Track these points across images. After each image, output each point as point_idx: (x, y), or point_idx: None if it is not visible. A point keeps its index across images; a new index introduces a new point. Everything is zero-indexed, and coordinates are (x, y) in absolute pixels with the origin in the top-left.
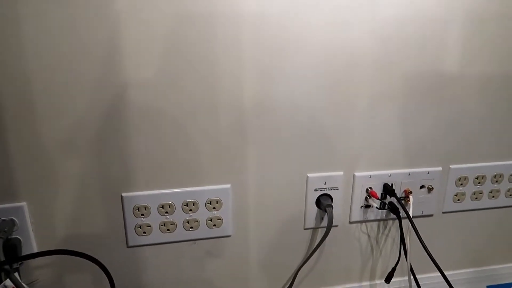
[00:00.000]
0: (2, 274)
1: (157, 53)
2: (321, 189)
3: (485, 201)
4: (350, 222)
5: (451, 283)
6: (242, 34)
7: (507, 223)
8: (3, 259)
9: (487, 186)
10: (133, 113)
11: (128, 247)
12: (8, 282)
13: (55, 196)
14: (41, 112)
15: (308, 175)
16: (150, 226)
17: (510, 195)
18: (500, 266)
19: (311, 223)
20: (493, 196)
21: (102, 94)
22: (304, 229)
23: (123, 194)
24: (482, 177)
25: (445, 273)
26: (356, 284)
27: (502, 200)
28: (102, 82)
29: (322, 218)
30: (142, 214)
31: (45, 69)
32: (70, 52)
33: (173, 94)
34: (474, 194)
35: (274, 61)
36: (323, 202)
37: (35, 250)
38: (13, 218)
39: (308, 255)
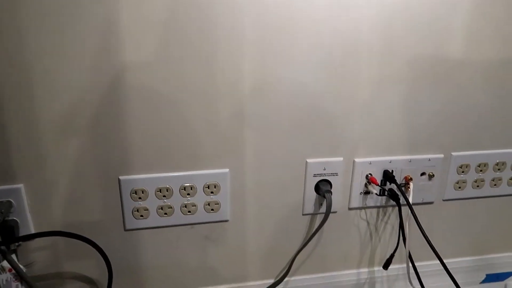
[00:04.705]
0: None
1: (156, 34)
2: (320, 174)
3: (487, 189)
4: (349, 209)
5: (450, 271)
6: (243, 15)
7: (508, 211)
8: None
9: (489, 174)
10: (131, 95)
11: (125, 230)
12: (5, 263)
13: (52, 178)
14: (38, 94)
15: (307, 160)
16: (147, 210)
17: None
18: (500, 255)
19: (309, 209)
20: (495, 184)
21: (100, 76)
22: (303, 214)
23: (121, 177)
24: (484, 165)
25: (444, 261)
26: (354, 271)
27: (504, 189)
28: (100, 64)
29: (321, 204)
30: (140, 198)
31: (41, 51)
32: (68, 33)
33: (172, 76)
34: (475, 182)
35: (274, 44)
36: (322, 188)
37: (32, 232)
38: (10, 199)
39: (306, 241)
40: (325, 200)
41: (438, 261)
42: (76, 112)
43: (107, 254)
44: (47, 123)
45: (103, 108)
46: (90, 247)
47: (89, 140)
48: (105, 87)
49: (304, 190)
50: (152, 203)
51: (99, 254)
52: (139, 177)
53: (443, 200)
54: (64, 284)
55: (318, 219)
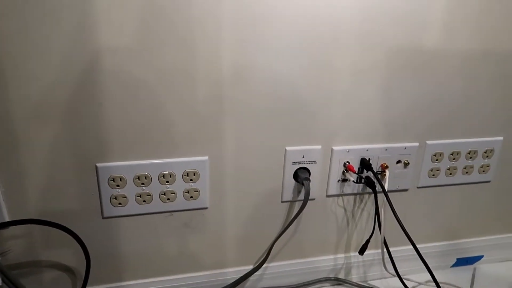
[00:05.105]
0: None
1: (132, 17)
2: (299, 162)
3: (459, 177)
4: (327, 196)
5: (423, 255)
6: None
7: (479, 198)
8: None
9: (462, 162)
10: (108, 80)
11: (103, 218)
12: None
13: (28, 165)
14: (11, 78)
15: (286, 148)
16: (125, 197)
17: (483, 171)
18: (470, 239)
19: (288, 196)
20: (466, 172)
21: (75, 60)
22: (281, 202)
23: (98, 165)
24: (457, 153)
25: (417, 246)
26: (331, 256)
27: (475, 176)
28: (75, 47)
29: (299, 192)
30: (118, 185)
31: (13, 34)
32: (42, 16)
33: (149, 61)
34: (448, 169)
35: (254, 29)
36: (301, 176)
37: (7, 220)
38: None
39: (285, 227)
40: (303, 187)
41: (411, 246)
42: (51, 98)
43: (84, 242)
44: (20, 108)
45: (79, 93)
46: (67, 235)
47: (65, 126)
48: (80, 72)
49: (283, 177)
50: (130, 190)
51: (76, 242)
52: (117, 164)
53: (418, 188)
54: (41, 273)
55: (297, 206)
